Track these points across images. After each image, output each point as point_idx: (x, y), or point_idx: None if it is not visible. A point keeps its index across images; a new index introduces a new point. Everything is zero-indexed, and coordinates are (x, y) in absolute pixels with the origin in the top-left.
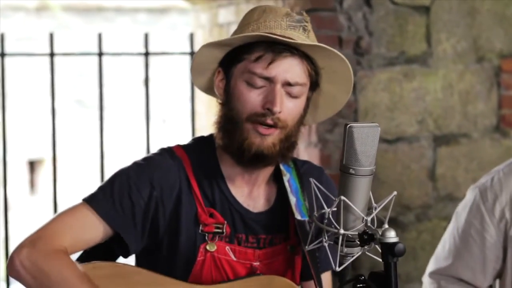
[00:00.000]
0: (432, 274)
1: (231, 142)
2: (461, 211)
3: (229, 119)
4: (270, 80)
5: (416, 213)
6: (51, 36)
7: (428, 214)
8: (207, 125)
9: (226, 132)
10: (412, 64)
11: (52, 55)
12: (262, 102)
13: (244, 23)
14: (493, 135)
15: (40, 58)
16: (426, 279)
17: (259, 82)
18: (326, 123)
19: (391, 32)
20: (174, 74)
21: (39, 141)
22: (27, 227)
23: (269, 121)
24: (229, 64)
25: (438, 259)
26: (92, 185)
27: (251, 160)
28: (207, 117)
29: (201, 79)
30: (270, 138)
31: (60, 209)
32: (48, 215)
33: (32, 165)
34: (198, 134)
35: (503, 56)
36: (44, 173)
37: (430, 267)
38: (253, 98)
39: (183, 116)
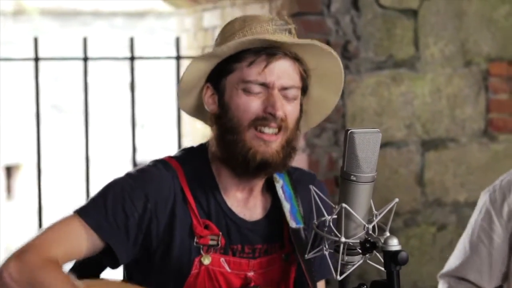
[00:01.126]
0: (443, 275)
1: (234, 154)
2: (473, 214)
3: (229, 130)
4: (266, 85)
5: (404, 218)
6: (36, 40)
7: (416, 220)
8: (192, 130)
9: (227, 144)
10: (400, 68)
11: (36, 59)
12: (263, 106)
13: (227, 35)
14: (481, 139)
15: (15, 63)
16: (439, 281)
17: (256, 88)
18: (314, 128)
19: (379, 36)
20: (156, 79)
21: (16, 147)
22: (4, 232)
23: (273, 124)
24: (218, 77)
25: (450, 261)
26: (71, 190)
27: (256, 169)
28: (191, 121)
29: (188, 99)
30: (274, 145)
31: (41, 214)
32: (25, 220)
33: (9, 171)
34: (184, 138)
35: (491, 60)
36: (20, 179)
37: (443, 268)
38: (253, 103)
39: (164, 120)
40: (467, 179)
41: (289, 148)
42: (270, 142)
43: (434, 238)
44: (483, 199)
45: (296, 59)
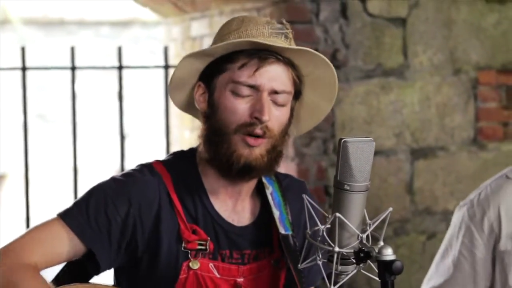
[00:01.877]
0: None
1: (218, 155)
2: (450, 229)
3: (216, 130)
4: (256, 88)
5: (393, 227)
6: (23, 50)
7: (405, 228)
8: (180, 138)
9: (213, 145)
10: (389, 77)
11: (24, 69)
12: (250, 111)
13: (223, 33)
14: (470, 147)
15: (1, 73)
16: None
17: (245, 91)
18: (303, 137)
19: (367, 45)
20: (142, 88)
21: (1, 156)
22: None
23: (258, 131)
24: (210, 76)
25: (430, 278)
26: (57, 199)
27: (239, 172)
28: (179, 130)
29: (180, 95)
30: (258, 150)
31: (29, 224)
32: (12, 230)
33: None
34: (172, 147)
35: (480, 68)
36: (6, 188)
37: (424, 287)
38: (240, 107)
39: (151, 130)
40: (456, 188)
41: (274, 153)
42: (255, 147)
43: (424, 246)
44: (460, 215)
45: (290, 64)
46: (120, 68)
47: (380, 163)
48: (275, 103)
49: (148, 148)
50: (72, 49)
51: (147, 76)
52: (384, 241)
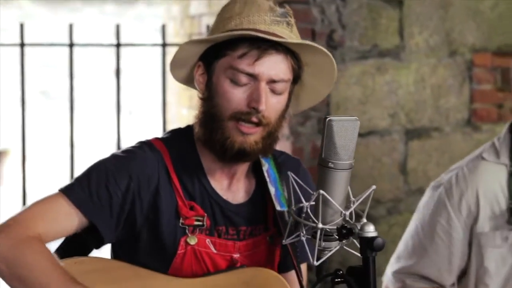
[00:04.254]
0: (395, 274)
1: (213, 139)
2: (424, 208)
3: (212, 116)
4: (254, 77)
5: (387, 206)
6: (21, 26)
7: (399, 208)
8: (177, 116)
9: (208, 129)
10: (385, 58)
11: (22, 45)
12: (247, 101)
13: (226, 17)
14: (464, 129)
15: (4, 48)
16: (387, 278)
17: (243, 79)
18: (298, 116)
19: (364, 25)
20: (143, 66)
21: (4, 132)
22: None
23: (254, 119)
24: (210, 58)
25: (400, 258)
26: (59, 176)
27: (234, 157)
28: (177, 108)
29: (180, 73)
30: (253, 137)
31: (29, 201)
32: (13, 206)
33: None
34: (169, 125)
35: (476, 50)
36: (9, 164)
37: (393, 266)
38: (237, 96)
39: (151, 107)
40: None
41: (270, 140)
42: (249, 134)
43: None
44: (436, 195)
45: (290, 52)
46: (118, 45)
47: (374, 143)
48: (273, 91)
49: (148, 125)
50: (70, 26)
51: (150, 54)
52: (377, 220)
